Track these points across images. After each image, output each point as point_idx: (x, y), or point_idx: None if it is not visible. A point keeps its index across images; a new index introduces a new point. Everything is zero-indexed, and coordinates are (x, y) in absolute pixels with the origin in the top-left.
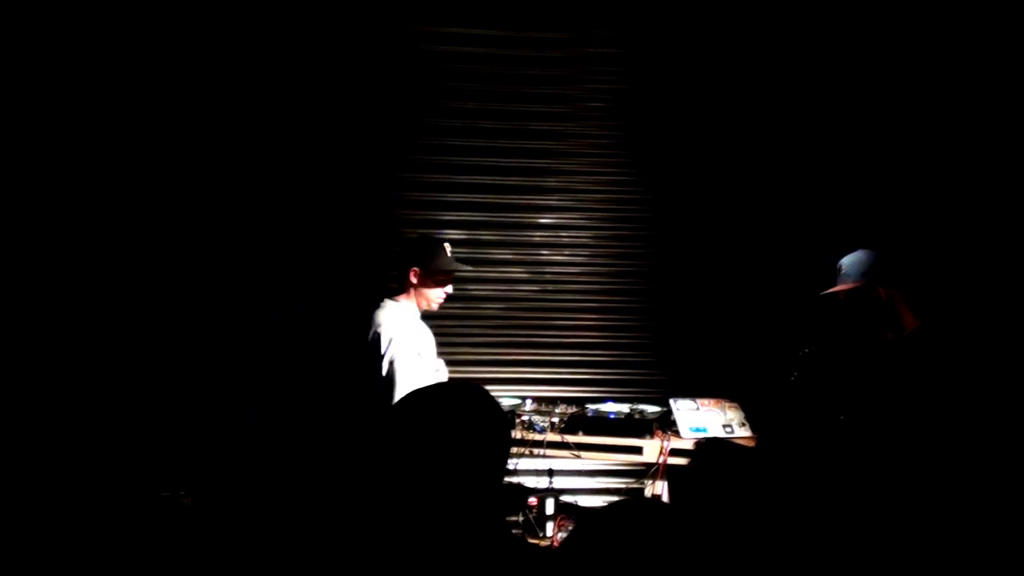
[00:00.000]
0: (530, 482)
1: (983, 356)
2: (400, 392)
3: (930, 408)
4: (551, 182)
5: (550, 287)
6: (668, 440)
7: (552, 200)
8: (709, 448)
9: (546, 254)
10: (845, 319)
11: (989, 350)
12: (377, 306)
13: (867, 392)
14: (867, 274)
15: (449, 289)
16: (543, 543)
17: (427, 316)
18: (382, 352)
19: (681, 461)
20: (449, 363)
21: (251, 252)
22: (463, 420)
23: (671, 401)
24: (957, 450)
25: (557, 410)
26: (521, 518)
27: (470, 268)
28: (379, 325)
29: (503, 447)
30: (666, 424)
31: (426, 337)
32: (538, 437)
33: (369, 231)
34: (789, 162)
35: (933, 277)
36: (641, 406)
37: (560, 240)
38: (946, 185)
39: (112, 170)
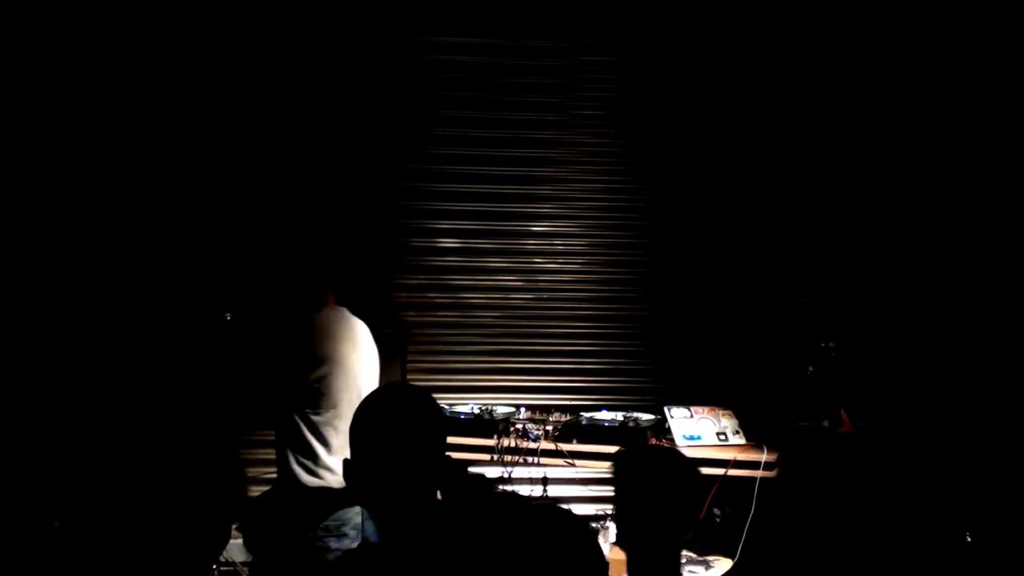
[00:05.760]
0: (524, 491)
1: None
2: None
3: None
4: (546, 190)
5: (544, 295)
6: None
7: (546, 208)
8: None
9: (540, 262)
10: None
11: None
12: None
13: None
14: None
15: None
16: None
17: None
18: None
19: None
20: (444, 371)
21: (253, 261)
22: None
23: (665, 409)
24: None
25: (551, 418)
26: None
27: None
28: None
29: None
30: (660, 432)
31: None
32: (532, 445)
33: (371, 240)
34: (782, 168)
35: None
36: (635, 414)
37: (554, 248)
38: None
39: (117, 173)
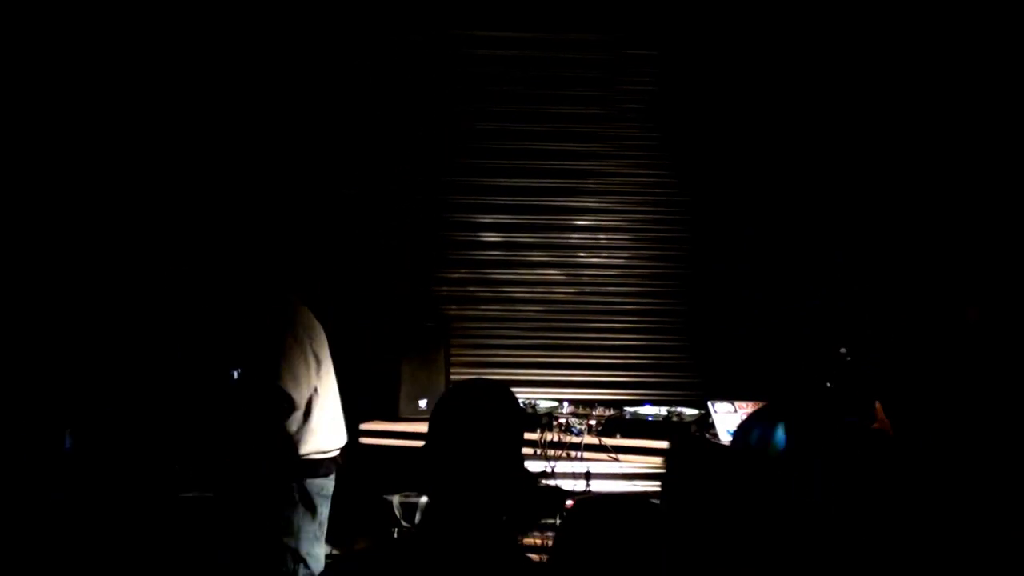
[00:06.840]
0: (567, 485)
1: None
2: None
3: None
4: (589, 184)
5: (587, 289)
6: None
7: (589, 202)
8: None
9: (583, 256)
10: None
11: None
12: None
13: None
14: None
15: None
16: None
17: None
18: None
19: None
20: (486, 365)
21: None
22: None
23: (709, 404)
24: None
25: (595, 412)
26: (558, 521)
27: None
28: None
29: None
30: (704, 427)
31: None
32: (575, 439)
33: (413, 235)
34: (827, 163)
35: None
36: (679, 409)
37: (598, 242)
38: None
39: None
